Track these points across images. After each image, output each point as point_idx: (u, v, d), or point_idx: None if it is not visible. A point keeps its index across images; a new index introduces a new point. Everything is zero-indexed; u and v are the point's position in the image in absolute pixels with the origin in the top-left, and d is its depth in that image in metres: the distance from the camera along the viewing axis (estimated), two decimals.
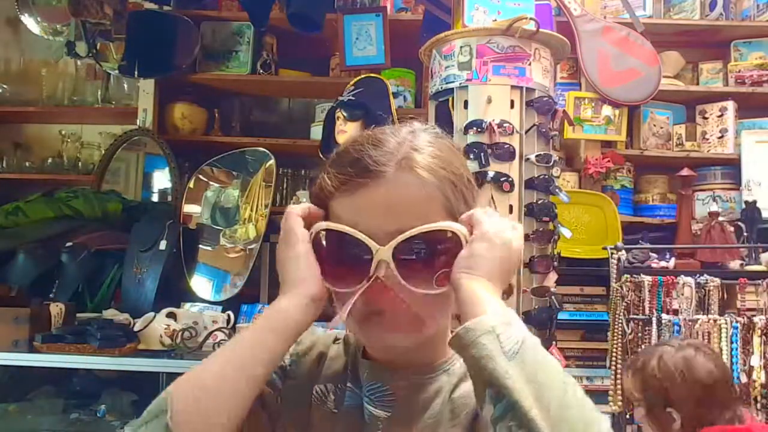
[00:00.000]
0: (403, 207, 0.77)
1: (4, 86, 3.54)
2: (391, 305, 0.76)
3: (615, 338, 2.49)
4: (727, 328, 2.36)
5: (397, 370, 0.83)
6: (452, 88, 2.08)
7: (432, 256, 0.77)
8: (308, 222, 0.81)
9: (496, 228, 0.78)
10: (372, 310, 0.77)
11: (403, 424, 0.81)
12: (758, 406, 2.31)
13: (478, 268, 0.75)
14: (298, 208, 0.82)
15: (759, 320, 2.35)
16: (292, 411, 0.84)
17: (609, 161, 3.04)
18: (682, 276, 2.50)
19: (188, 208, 3.06)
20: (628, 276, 2.52)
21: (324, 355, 0.90)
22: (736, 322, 2.37)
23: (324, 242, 0.79)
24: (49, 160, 3.44)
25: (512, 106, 2.03)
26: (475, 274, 0.75)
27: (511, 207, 2.00)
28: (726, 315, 2.42)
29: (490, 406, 0.67)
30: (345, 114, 2.44)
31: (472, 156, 2.01)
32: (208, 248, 2.95)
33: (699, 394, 1.71)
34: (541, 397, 0.65)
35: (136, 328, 2.33)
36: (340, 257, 0.78)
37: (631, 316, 2.49)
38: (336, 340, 0.92)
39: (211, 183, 3.11)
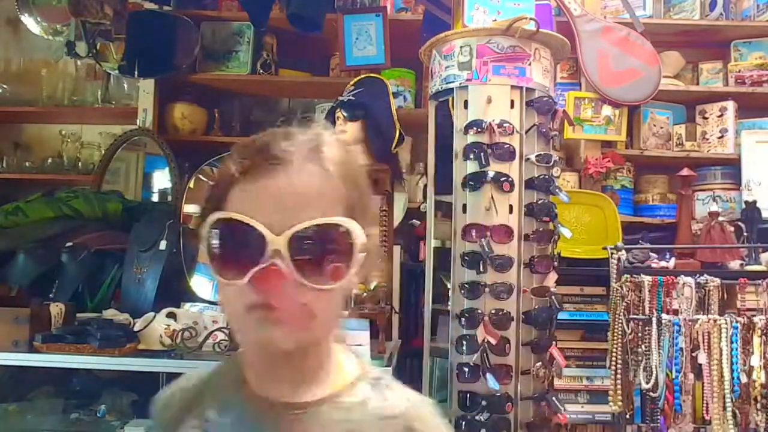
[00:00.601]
0: (306, 197, 0.75)
1: (4, 86, 3.54)
2: (280, 298, 0.72)
3: (615, 338, 2.49)
4: (727, 328, 2.36)
5: (276, 404, 0.79)
6: (452, 88, 2.08)
7: (327, 250, 0.74)
8: None
9: None
10: (259, 303, 0.73)
11: None
12: (758, 406, 2.31)
13: None
14: None
15: (759, 320, 2.35)
16: None
17: (609, 161, 3.04)
18: (682, 276, 2.50)
19: (188, 208, 3.05)
20: (628, 276, 2.52)
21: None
22: (736, 322, 2.36)
23: (218, 233, 0.76)
24: (49, 160, 3.44)
25: (512, 106, 2.04)
26: None
27: (511, 207, 2.00)
28: (726, 315, 2.42)
29: None
30: (345, 114, 2.44)
31: (472, 156, 2.01)
32: None
33: None
34: None
35: (136, 328, 2.32)
36: (234, 247, 0.75)
37: (631, 316, 2.49)
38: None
39: (211, 183, 3.11)
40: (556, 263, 2.11)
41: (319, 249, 0.74)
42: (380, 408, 0.81)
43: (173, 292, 2.78)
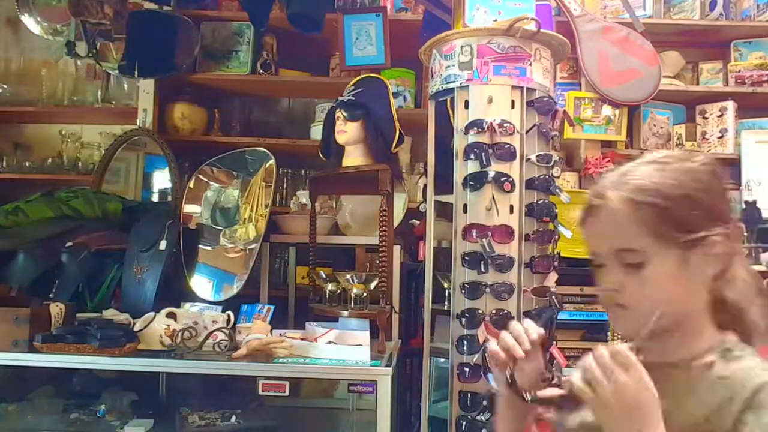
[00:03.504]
0: (608, 232, 0.99)
1: (4, 86, 3.54)
2: None
3: (615, 338, 2.49)
4: None
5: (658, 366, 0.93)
6: (452, 88, 2.08)
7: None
8: None
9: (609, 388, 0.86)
10: None
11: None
12: None
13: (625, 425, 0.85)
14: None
15: None
16: None
17: (609, 161, 3.04)
18: None
19: (188, 208, 3.05)
20: None
21: None
22: None
23: None
24: (49, 160, 3.44)
25: (513, 106, 2.04)
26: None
27: (512, 207, 2.01)
28: None
29: None
30: (345, 114, 2.44)
31: (473, 156, 2.01)
32: (208, 248, 2.94)
33: None
34: None
35: (136, 328, 2.32)
36: None
37: None
38: None
39: (211, 183, 3.11)
40: (556, 263, 2.12)
41: None
42: (721, 371, 0.94)
43: (173, 292, 2.77)
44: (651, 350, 0.92)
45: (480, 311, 1.98)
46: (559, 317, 2.24)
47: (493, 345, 1.04)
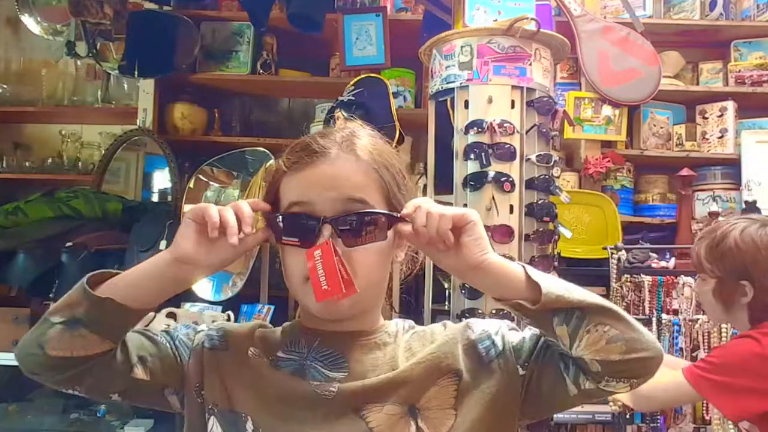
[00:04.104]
0: (343, 179, 0.91)
1: (4, 86, 3.54)
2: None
3: None
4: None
5: (345, 336, 0.96)
6: (452, 88, 2.08)
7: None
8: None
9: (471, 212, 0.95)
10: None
11: (358, 380, 0.94)
12: None
13: (488, 246, 0.94)
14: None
15: None
16: (233, 371, 0.97)
17: (609, 161, 3.04)
18: (682, 276, 2.50)
19: (188, 208, 3.05)
20: (628, 276, 2.52)
21: (254, 330, 1.02)
22: None
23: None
24: (49, 160, 3.44)
25: (513, 106, 2.04)
26: (490, 252, 0.93)
27: (511, 207, 2.01)
28: None
29: (563, 326, 0.89)
30: (345, 114, 2.44)
31: (473, 156, 2.01)
32: None
33: None
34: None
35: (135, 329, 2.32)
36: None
37: (631, 316, 2.49)
38: (261, 326, 1.04)
39: (211, 183, 3.11)
40: (556, 263, 2.12)
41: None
42: (417, 330, 1.03)
43: None
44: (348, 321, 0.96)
45: (480, 311, 1.98)
46: None
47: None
